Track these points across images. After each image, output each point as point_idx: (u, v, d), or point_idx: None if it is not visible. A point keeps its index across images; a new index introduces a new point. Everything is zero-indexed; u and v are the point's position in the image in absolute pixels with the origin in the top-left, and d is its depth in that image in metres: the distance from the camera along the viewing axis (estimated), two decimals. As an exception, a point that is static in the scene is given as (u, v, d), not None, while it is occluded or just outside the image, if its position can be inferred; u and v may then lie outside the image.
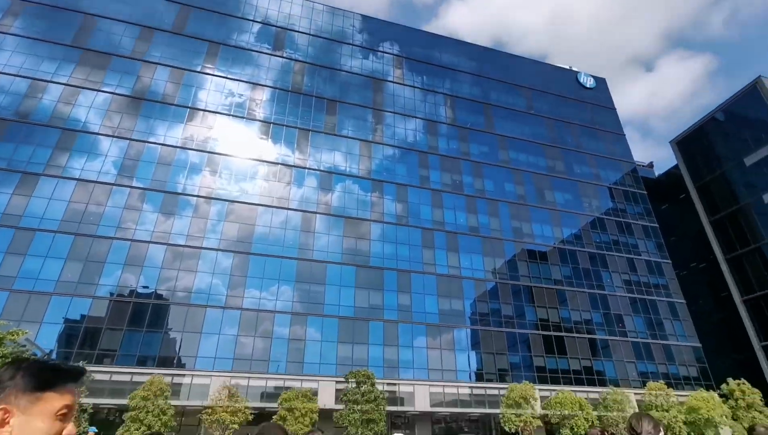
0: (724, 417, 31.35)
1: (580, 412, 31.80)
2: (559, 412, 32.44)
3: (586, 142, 54.46)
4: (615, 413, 32.67)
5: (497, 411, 34.33)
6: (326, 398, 32.66)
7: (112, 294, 32.88)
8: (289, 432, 2.65)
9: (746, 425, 29.90)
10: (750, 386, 34.54)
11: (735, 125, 53.93)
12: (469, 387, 37.29)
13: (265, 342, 34.77)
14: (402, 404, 34.90)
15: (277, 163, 42.01)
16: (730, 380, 35.53)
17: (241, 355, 33.55)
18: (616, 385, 38.04)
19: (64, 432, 0.96)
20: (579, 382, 39.20)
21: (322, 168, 43.17)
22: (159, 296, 33.97)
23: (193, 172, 39.28)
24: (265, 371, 33.53)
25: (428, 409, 35.04)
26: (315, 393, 31.81)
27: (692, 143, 59.04)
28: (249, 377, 32.72)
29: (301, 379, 33.19)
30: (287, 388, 31.11)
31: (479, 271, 42.70)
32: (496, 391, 36.72)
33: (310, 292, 37.48)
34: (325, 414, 30.18)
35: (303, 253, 38.68)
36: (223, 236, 37.24)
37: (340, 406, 30.40)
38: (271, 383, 33.32)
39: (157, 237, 35.40)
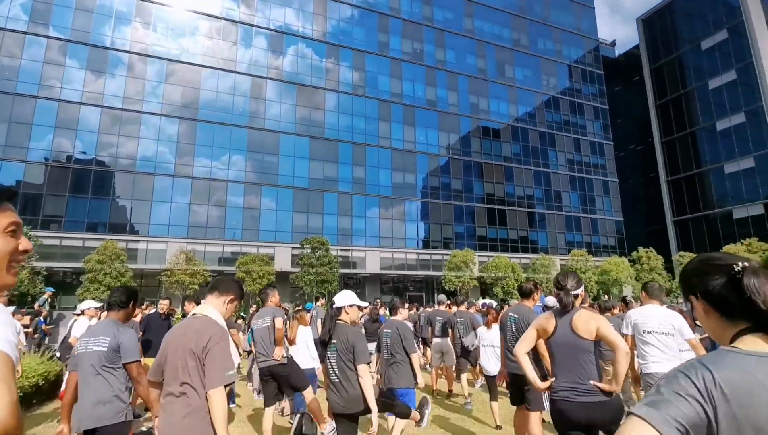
0: (629, 278, 36.73)
1: (512, 274, 36.04)
2: (493, 275, 36.58)
3: (555, 13, 51.92)
4: (541, 275, 37.41)
5: (440, 273, 38.19)
6: (283, 263, 34.66)
7: (47, 159, 30.86)
8: (242, 285, 2.86)
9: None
10: (656, 254, 39.96)
11: (700, 5, 52.76)
12: (416, 253, 40.60)
13: (220, 210, 35.05)
14: (354, 268, 37.81)
15: (221, 18, 37.49)
16: (640, 248, 40.77)
17: (196, 223, 33.93)
18: (546, 252, 42.71)
19: (20, 246, 1.01)
20: (515, 250, 43.59)
21: (272, 26, 39.12)
22: (101, 163, 32.33)
23: (122, 23, 34.48)
24: (221, 238, 34.47)
25: (378, 271, 38.30)
26: (272, 258, 33.54)
27: (657, 22, 57.82)
28: (206, 243, 33.63)
29: (258, 246, 34.59)
30: (244, 253, 32.49)
31: (434, 147, 43.29)
32: (440, 257, 40.33)
33: (264, 162, 36.98)
34: (282, 276, 32.32)
35: (254, 122, 37.10)
36: (165, 100, 34.51)
37: (296, 270, 32.53)
38: (228, 249, 34.57)
39: (88, 98, 32.27)
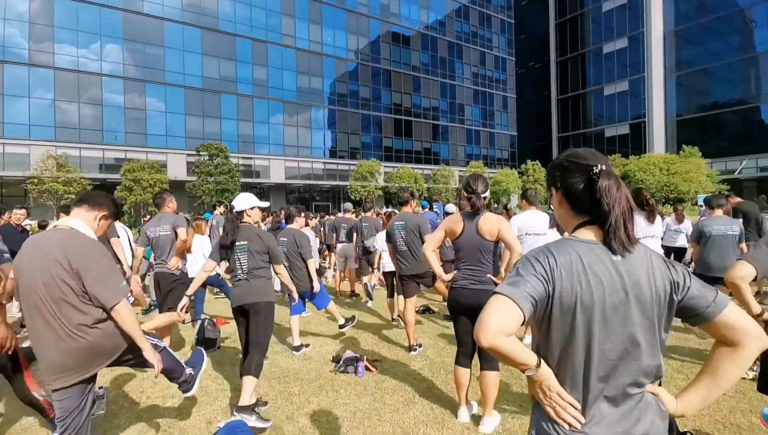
0: (516, 188, 40.61)
1: (415, 184, 37.66)
2: (397, 185, 37.89)
3: None
4: (441, 185, 39.73)
5: (346, 183, 38.52)
6: (177, 170, 32.03)
7: None
8: (119, 204, 2.54)
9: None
10: (540, 167, 44.21)
11: None
12: (323, 163, 40.09)
13: (95, 110, 30.47)
14: (257, 177, 36.41)
15: None
16: (528, 162, 44.71)
17: (65, 123, 29.27)
18: (447, 164, 44.94)
19: None
20: (418, 161, 45.08)
21: None
22: None
23: None
24: (100, 142, 30.42)
25: (283, 181, 37.41)
26: (164, 165, 30.73)
27: (566, -65, 57.76)
28: (80, 147, 29.49)
29: (147, 151, 31.28)
30: (130, 160, 29.26)
31: (341, 50, 40.97)
32: (346, 167, 40.37)
33: (146, 55, 32.12)
34: (177, 185, 30.07)
35: (130, 4, 31.32)
36: (3, -37, 27.28)
37: (193, 178, 30.39)
38: (110, 154, 30.82)
39: None
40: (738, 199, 7.18)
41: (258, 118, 36.69)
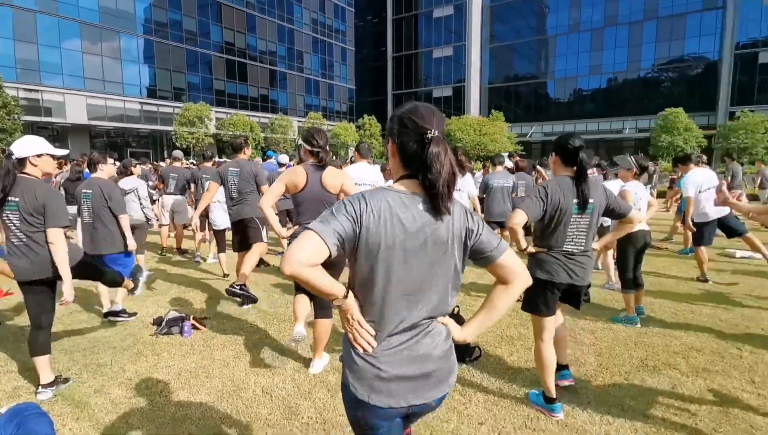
0: (354, 141, 41.83)
1: (251, 133, 35.50)
2: (231, 132, 35.19)
3: None
4: (279, 135, 38.33)
5: (170, 128, 34.08)
6: None
7: None
8: None
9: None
10: (376, 121, 46.17)
11: None
12: (140, 102, 34.50)
13: None
14: (48, 115, 29.48)
15: None
16: (365, 116, 46.20)
17: None
18: (285, 113, 43.35)
19: None
20: (254, 108, 42.38)
21: None
22: None
23: None
24: None
25: (85, 122, 31.11)
26: None
27: None
28: None
29: None
30: None
31: (158, -32, 34.75)
32: (170, 109, 35.60)
33: None
34: None
35: None
36: None
37: (-55, 111, 22.94)
38: None
39: None
40: (517, 158, 8.79)
41: (44, 40, 29.11)
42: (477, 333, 1.40)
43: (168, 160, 8.00)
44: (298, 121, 43.96)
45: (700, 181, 5.62)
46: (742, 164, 12.39)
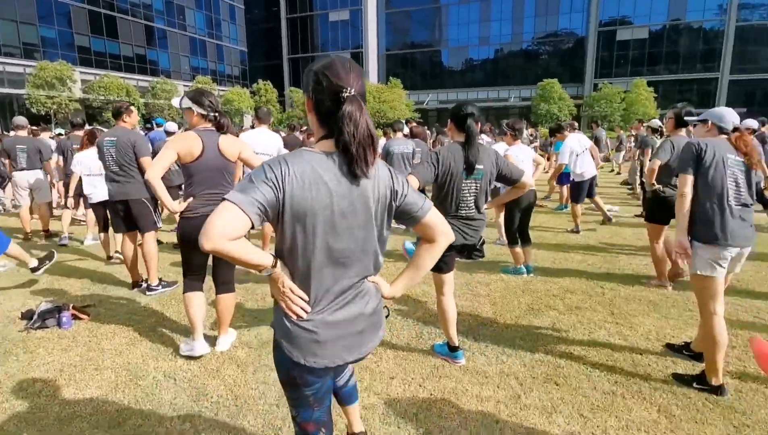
0: (249, 108, 39.45)
1: (127, 98, 31.53)
2: (102, 97, 30.90)
3: None
4: (163, 101, 34.57)
5: (22, 92, 28.85)
6: None
7: None
8: None
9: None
10: (272, 87, 43.94)
11: None
12: (-24, 59, 28.52)
13: None
14: None
15: None
16: (260, 81, 43.66)
17: None
18: (168, 76, 39.16)
19: None
20: (130, 69, 37.63)
21: None
22: None
23: None
24: None
25: None
26: None
27: None
28: None
29: None
30: None
31: None
32: (20, 69, 30.03)
33: None
34: None
35: None
36: None
37: None
38: None
39: None
40: (413, 124, 9.12)
41: None
42: (405, 289, 1.48)
43: (16, 131, 6.77)
44: (185, 85, 40.04)
45: (575, 147, 6.38)
46: (603, 130, 14.35)
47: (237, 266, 1.21)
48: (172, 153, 2.77)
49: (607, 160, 15.31)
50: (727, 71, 41.20)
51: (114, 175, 4.16)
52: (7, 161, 6.63)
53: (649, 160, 4.36)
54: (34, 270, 4.22)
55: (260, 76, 47.47)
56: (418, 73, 52.54)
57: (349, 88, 1.14)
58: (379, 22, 53.04)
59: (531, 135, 19.79)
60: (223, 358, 3.00)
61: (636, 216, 7.50)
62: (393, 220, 1.35)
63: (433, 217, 1.35)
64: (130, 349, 3.16)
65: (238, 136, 3.93)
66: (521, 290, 4.22)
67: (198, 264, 2.98)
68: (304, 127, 10.25)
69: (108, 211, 4.46)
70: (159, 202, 3.33)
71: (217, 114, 2.89)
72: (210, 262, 2.98)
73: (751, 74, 40.03)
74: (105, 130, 6.14)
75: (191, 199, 2.85)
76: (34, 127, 8.62)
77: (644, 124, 9.00)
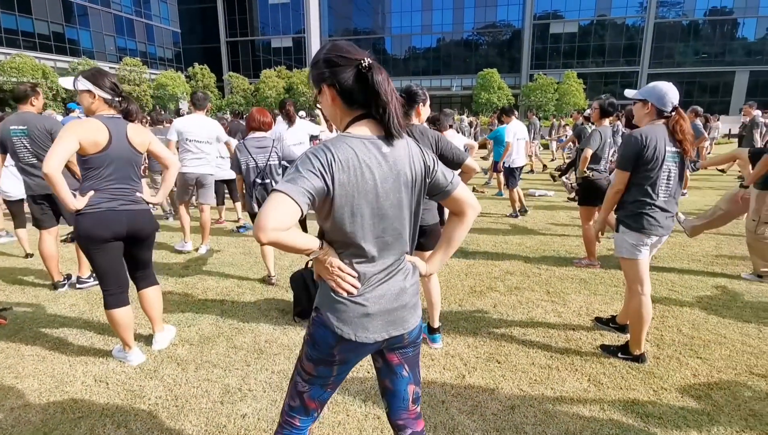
0: (185, 93, 37.31)
1: (44, 80, 28.68)
2: (15, 79, 27.87)
3: None
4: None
5: None
6: None
7: None
8: None
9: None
10: (210, 72, 41.83)
11: None
12: None
13: None
14: None
15: None
16: (196, 65, 41.38)
17: None
18: (91, 57, 36.08)
19: None
20: (46, 49, 34.25)
21: None
22: None
23: None
24: None
25: None
26: None
27: None
28: None
29: None
30: None
31: None
32: None
33: None
34: None
35: None
36: None
37: None
38: None
39: None
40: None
41: None
42: (441, 265, 1.51)
43: None
44: (111, 67, 37.02)
45: (517, 131, 6.69)
46: (539, 119, 15.06)
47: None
48: (74, 142, 2.41)
49: (545, 147, 16.14)
50: (646, 65, 44.59)
51: (31, 168, 3.77)
52: None
53: (580, 149, 4.63)
54: None
55: (196, 59, 44.93)
56: (362, 60, 52.25)
57: (365, 59, 1.17)
58: (322, 6, 51.87)
59: (470, 123, 20.40)
60: (162, 357, 2.85)
61: (568, 199, 7.97)
62: None
63: (462, 190, 1.39)
64: (54, 354, 2.91)
65: (171, 123, 3.70)
66: (465, 274, 4.37)
67: (115, 266, 2.65)
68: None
69: (29, 207, 3.99)
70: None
71: (122, 98, 2.62)
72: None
73: (668, 68, 43.62)
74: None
75: (91, 192, 2.52)
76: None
77: (582, 114, 9.52)
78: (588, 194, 4.50)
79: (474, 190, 5.33)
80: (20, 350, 2.96)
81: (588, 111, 8.27)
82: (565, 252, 5.07)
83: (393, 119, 1.19)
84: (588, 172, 4.42)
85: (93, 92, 2.53)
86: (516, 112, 7.84)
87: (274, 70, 43.30)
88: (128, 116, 2.68)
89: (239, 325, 3.31)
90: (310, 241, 1.20)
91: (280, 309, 3.59)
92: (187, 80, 40.01)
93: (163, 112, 18.65)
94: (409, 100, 2.69)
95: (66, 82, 2.77)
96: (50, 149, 2.40)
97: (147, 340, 3.05)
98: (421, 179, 1.31)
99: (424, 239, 2.81)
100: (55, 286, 4.00)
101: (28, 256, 4.96)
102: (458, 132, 5.08)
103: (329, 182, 1.13)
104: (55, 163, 2.36)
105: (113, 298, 2.67)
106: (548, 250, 5.17)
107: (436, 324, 2.99)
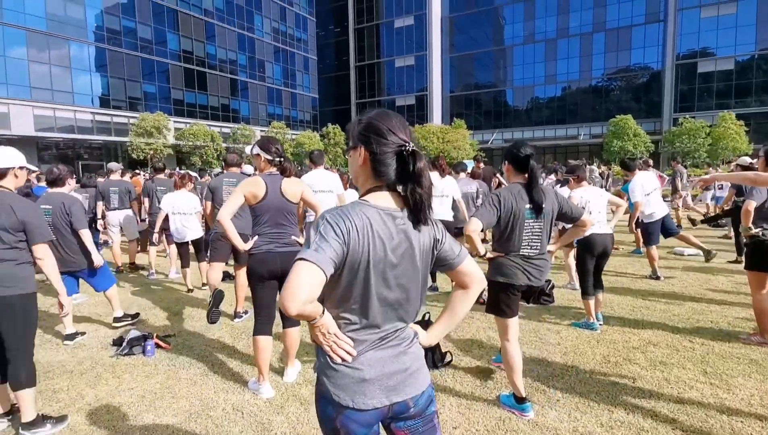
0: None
1: (211, 143, 34.67)
2: (191, 143, 34.23)
3: None
4: (242, 145, 37.59)
5: (125, 139, 32.78)
6: None
7: None
8: None
9: (331, 156, 41.10)
10: (340, 130, 46.17)
11: None
12: (92, 112, 32.99)
13: None
14: (-10, 126, 27.70)
15: None
16: (329, 125, 46.11)
17: None
18: (248, 122, 42.65)
19: None
20: (215, 118, 41.47)
21: None
22: None
23: None
24: None
25: (32, 133, 29.45)
26: None
27: None
28: None
29: None
30: None
31: (109, -26, 33.59)
32: (125, 120, 34.26)
33: None
34: None
35: None
36: None
37: None
38: None
39: None
40: (481, 164, 9.05)
41: (-15, 47, 27.47)
42: (441, 336, 1.48)
43: (109, 174, 7.57)
44: (261, 130, 43.29)
45: (645, 185, 5.96)
46: (686, 167, 13.23)
47: None
48: (241, 196, 2.99)
49: (694, 197, 14.11)
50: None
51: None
52: (101, 203, 7.40)
53: (742, 201, 3.96)
54: (116, 320, 4.49)
55: (330, 120, 50.15)
56: (483, 112, 52.73)
57: (410, 143, 1.21)
58: (444, 65, 54.45)
59: (602, 174, 18.87)
60: (288, 395, 3.06)
61: (730, 262, 6.77)
62: None
63: (468, 264, 1.37)
64: (203, 379, 3.33)
65: (300, 178, 4.18)
66: (596, 341, 3.92)
67: (267, 301, 3.11)
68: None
69: (216, 244, 4.72)
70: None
71: (281, 159, 3.12)
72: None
73: None
74: (194, 174, 6.72)
75: (256, 237, 3.04)
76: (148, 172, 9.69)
77: (734, 163, 8.17)
78: (759, 257, 3.75)
79: (615, 248, 4.75)
80: (178, 373, 3.44)
81: (744, 158, 7.04)
82: (726, 324, 4.26)
83: (425, 208, 1.21)
84: (755, 229, 3.73)
85: (261, 155, 3.10)
86: (640, 163, 7.00)
87: (398, 126, 45.85)
88: (284, 172, 3.13)
89: (357, 371, 3.41)
90: (317, 307, 1.18)
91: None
92: (321, 138, 44.64)
93: (301, 168, 20.90)
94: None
95: (247, 149, 3.63)
96: (226, 201, 3.07)
97: (276, 376, 3.32)
98: (429, 250, 1.31)
99: None
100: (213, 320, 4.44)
101: (189, 290, 5.84)
102: (589, 183, 4.71)
103: (346, 249, 1.15)
104: (225, 211, 2.99)
105: (261, 326, 3.09)
106: (703, 320, 4.39)
107: (523, 392, 2.72)
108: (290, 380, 3.24)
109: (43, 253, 2.71)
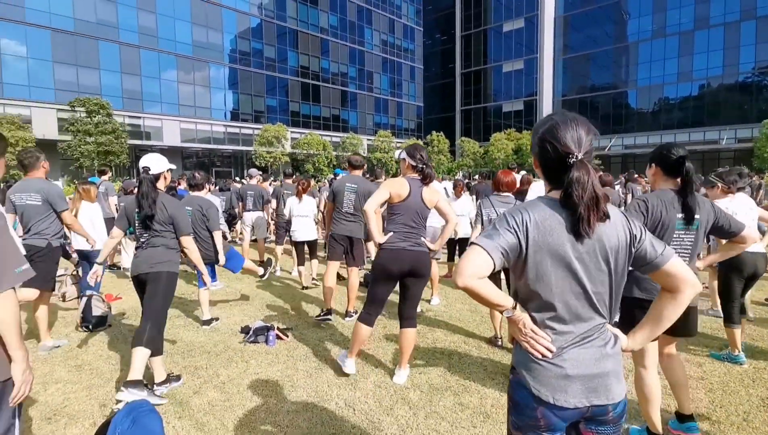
0: (422, 158, 41.96)
1: (323, 151, 37.04)
2: (305, 151, 36.95)
3: None
4: (348, 153, 39.63)
5: (250, 148, 36.55)
6: (45, 128, 27.69)
7: None
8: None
9: (434, 163, 41.36)
10: (444, 138, 46.12)
11: None
12: (224, 125, 37.45)
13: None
14: (148, 139, 32.95)
15: None
16: (433, 132, 46.34)
17: None
18: (355, 132, 44.76)
19: None
20: (326, 128, 44.24)
21: None
22: None
23: None
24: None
25: (179, 144, 34.34)
26: (27, 121, 26.33)
27: None
28: None
29: (3, 104, 26.44)
30: (-19, 112, 24.51)
31: (243, 3, 37.91)
32: (250, 131, 38.21)
33: (-3, -14, 26.64)
34: (47, 145, 26.01)
35: None
36: None
37: (68, 137, 26.53)
38: (-48, 105, 25.52)
39: None
40: (601, 173, 8.31)
41: (146, 72, 32.80)
42: (645, 343, 1.39)
43: (248, 179, 8.51)
44: (368, 139, 45.13)
45: None
46: None
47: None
48: (387, 192, 3.21)
49: None
50: None
51: (347, 215, 4.71)
52: (240, 204, 8.37)
53: None
54: (262, 276, 5.25)
55: (434, 127, 50.42)
56: (599, 116, 48.52)
57: (575, 153, 1.21)
58: (555, 68, 51.43)
59: (751, 184, 16.11)
60: (396, 398, 3.10)
61: None
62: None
63: (675, 264, 1.26)
64: (318, 373, 3.52)
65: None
66: (750, 379, 3.33)
67: (381, 297, 3.30)
68: (476, 176, 10.35)
69: (332, 243, 4.89)
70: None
71: (424, 166, 3.27)
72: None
73: None
74: (310, 179, 7.19)
75: (391, 233, 3.22)
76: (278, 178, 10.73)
77: None
78: None
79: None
80: (296, 365, 3.69)
81: None
82: None
83: (579, 220, 1.19)
84: None
85: (406, 160, 3.33)
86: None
87: (504, 133, 44.54)
88: (425, 179, 3.27)
89: (465, 382, 3.33)
90: (503, 298, 1.24)
91: (505, 374, 3.46)
92: (426, 146, 45.04)
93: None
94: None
95: (395, 154, 3.97)
96: (372, 195, 3.30)
97: (385, 376, 3.37)
98: (625, 247, 1.25)
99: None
100: (324, 314, 4.76)
101: (304, 288, 6.26)
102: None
103: (522, 239, 1.19)
104: (371, 204, 3.21)
105: (367, 317, 3.30)
106: None
107: (660, 429, 2.41)
108: (400, 382, 3.29)
109: (188, 244, 3.35)
